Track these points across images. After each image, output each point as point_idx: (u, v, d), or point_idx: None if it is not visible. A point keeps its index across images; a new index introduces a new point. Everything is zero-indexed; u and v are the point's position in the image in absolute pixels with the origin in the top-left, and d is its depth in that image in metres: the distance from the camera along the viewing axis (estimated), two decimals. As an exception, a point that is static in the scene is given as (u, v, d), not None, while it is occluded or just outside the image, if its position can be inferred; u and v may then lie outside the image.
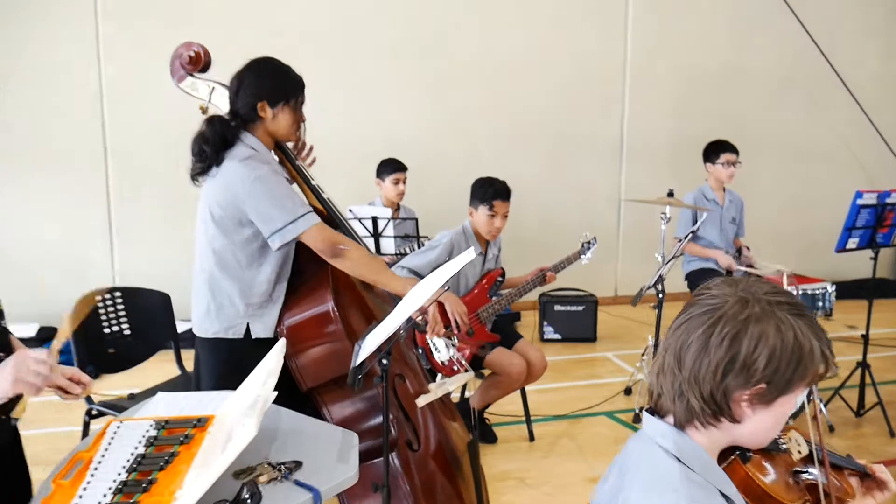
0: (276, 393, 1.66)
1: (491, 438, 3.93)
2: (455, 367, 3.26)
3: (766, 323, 1.21)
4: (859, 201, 4.01)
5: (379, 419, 2.35)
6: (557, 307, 5.74)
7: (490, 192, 3.68)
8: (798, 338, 1.21)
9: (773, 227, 6.86)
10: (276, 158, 2.58)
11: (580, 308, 5.75)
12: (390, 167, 4.84)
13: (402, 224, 4.51)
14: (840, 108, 7.08)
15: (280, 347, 1.85)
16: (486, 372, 3.75)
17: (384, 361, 1.90)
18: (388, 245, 4.18)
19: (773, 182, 6.98)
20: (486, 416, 4.00)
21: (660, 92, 6.67)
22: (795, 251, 6.90)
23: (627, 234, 6.75)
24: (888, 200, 4.11)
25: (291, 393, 2.29)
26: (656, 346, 4.45)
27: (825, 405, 4.23)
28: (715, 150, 4.81)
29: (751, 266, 4.73)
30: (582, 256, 4.03)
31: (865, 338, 4.35)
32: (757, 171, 6.66)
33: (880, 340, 5.63)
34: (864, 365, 4.31)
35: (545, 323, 5.75)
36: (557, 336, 5.72)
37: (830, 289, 4.35)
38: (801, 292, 4.22)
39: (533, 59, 6.33)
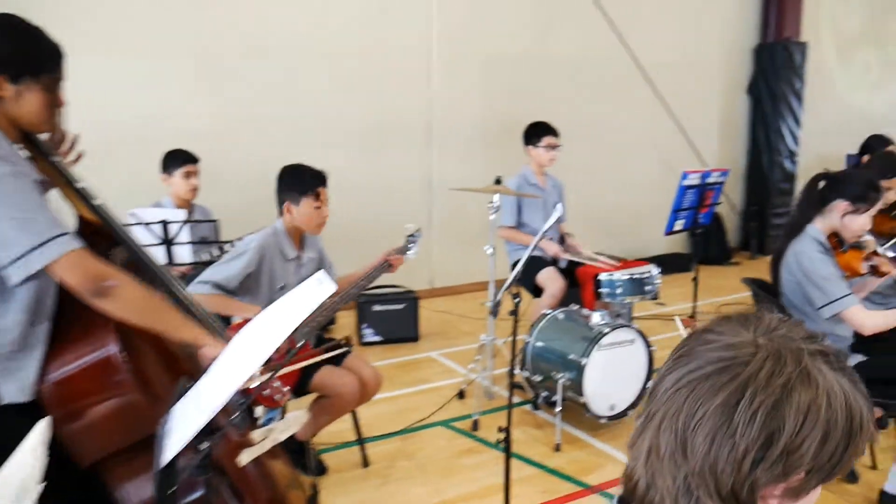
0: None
1: (320, 470, 3.42)
2: (276, 397, 2.72)
3: (811, 387, 0.83)
4: (685, 182, 3.95)
5: (194, 496, 1.77)
6: (376, 307, 5.30)
7: (309, 179, 3.15)
8: (850, 404, 0.85)
9: (579, 210, 6.87)
10: (24, 155, 1.89)
11: (400, 306, 5.35)
12: (179, 159, 4.13)
13: (198, 227, 3.84)
14: (640, 95, 7.25)
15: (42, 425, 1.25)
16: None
17: (204, 447, 1.34)
18: (184, 253, 3.50)
19: (579, 166, 6.99)
20: (311, 444, 3.48)
21: (468, 77, 6.42)
22: (599, 233, 6.97)
23: (441, 223, 6.45)
24: (709, 180, 4.08)
25: (64, 475, 1.65)
26: (518, 346, 4.15)
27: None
28: (536, 133, 4.59)
29: (577, 253, 4.59)
30: (408, 251, 3.60)
31: (693, 318, 4.33)
32: (562, 156, 6.62)
33: (683, 314, 5.76)
34: (691, 346, 4.28)
35: (364, 325, 5.30)
36: (378, 338, 5.29)
37: (655, 272, 4.27)
38: (628, 277, 4.10)
39: (336, 43, 5.81)
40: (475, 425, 3.92)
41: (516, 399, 4.27)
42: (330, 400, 3.16)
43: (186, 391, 1.48)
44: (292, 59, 5.67)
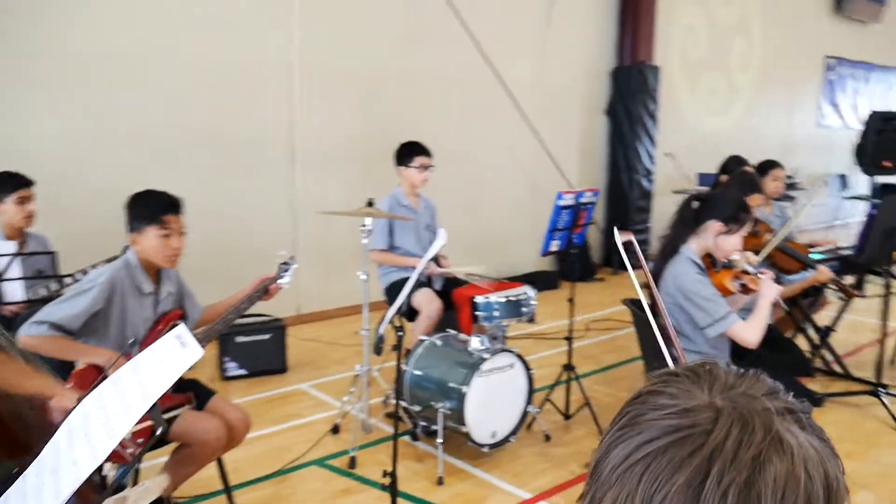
0: None
1: (183, 526, 3.08)
2: (128, 451, 2.40)
3: (786, 456, 0.69)
4: (560, 202, 3.92)
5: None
6: (239, 338, 4.95)
7: (154, 206, 2.81)
8: (826, 469, 0.72)
9: (449, 231, 6.79)
10: None
11: (266, 336, 5.03)
12: (10, 183, 3.67)
13: (33, 260, 3.40)
14: (505, 115, 7.29)
15: None
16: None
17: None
18: (15, 290, 3.07)
19: (447, 186, 6.92)
20: (171, 499, 3.13)
21: (331, 94, 6.20)
22: (469, 253, 6.92)
23: (307, 247, 6.16)
24: (582, 200, 4.08)
25: None
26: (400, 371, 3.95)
27: (538, 412, 4.08)
28: (408, 153, 4.45)
29: (452, 273, 4.47)
30: (280, 279, 3.33)
31: (569, 339, 4.31)
32: (431, 176, 6.53)
33: (556, 333, 5.78)
34: (569, 367, 4.26)
35: (226, 358, 4.93)
36: (242, 371, 4.94)
37: (531, 293, 4.21)
38: (504, 299, 4.01)
39: (188, 56, 5.43)
40: (352, 462, 3.69)
41: (392, 431, 4.09)
42: (192, 449, 2.84)
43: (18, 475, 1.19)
44: (143, 74, 5.25)
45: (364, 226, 3.91)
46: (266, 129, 5.87)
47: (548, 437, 4.02)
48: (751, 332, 3.05)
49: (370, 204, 3.92)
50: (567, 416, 4.27)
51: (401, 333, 2.85)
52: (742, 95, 10.14)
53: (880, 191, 9.23)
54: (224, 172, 5.68)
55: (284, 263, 3.32)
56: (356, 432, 3.94)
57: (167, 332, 2.84)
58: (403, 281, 4.39)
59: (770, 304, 3.13)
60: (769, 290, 3.13)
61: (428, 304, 4.26)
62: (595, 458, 0.78)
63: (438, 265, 4.57)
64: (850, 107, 12.20)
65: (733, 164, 4.99)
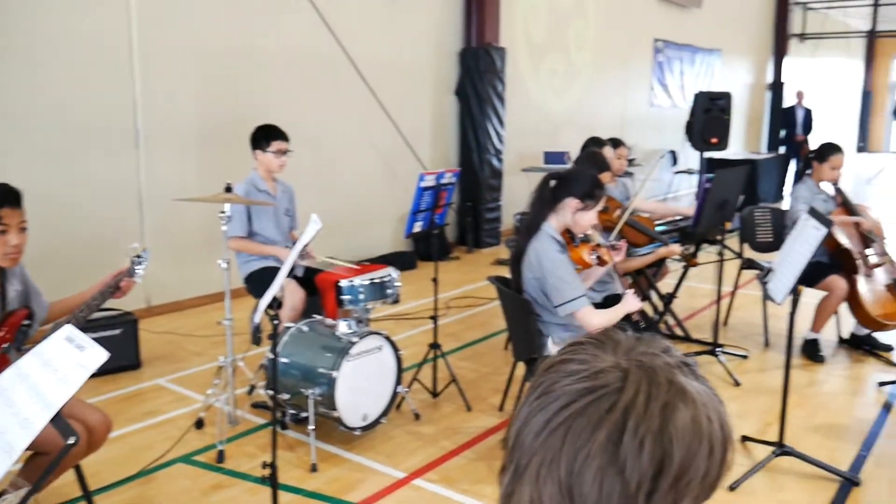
0: None
1: (39, 539, 2.88)
2: None
3: (689, 403, 0.78)
4: (422, 184, 3.95)
5: None
6: (87, 335, 4.63)
7: None
8: (719, 411, 0.81)
9: (306, 214, 6.68)
10: None
11: (116, 331, 4.75)
12: None
13: None
14: (357, 95, 7.22)
15: None
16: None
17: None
18: None
19: (301, 168, 6.79)
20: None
21: (177, 72, 5.89)
22: (327, 237, 6.83)
23: (156, 235, 5.85)
24: (443, 181, 4.14)
25: None
26: (271, 364, 3.84)
27: (407, 392, 4.13)
28: (265, 137, 4.32)
29: (313, 260, 4.40)
30: (134, 273, 3.15)
31: (435, 318, 4.38)
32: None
33: (418, 313, 5.86)
34: (435, 345, 4.33)
35: (73, 357, 4.62)
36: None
37: (395, 274, 4.23)
38: (369, 282, 4.01)
39: (22, 33, 4.98)
40: (220, 456, 3.58)
41: (262, 420, 4.01)
42: (50, 458, 2.65)
43: None
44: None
45: (223, 212, 3.77)
46: (104, 111, 5.50)
47: (417, 416, 4.08)
48: (597, 319, 3.24)
49: (228, 189, 3.79)
50: (435, 394, 4.35)
51: (276, 321, 2.79)
52: (581, 76, 10.60)
53: (707, 165, 9.98)
54: (60, 158, 5.28)
55: (138, 256, 3.15)
56: (222, 425, 3.83)
57: (10, 337, 2.64)
58: (264, 269, 4.31)
59: (625, 312, 3.34)
60: (630, 304, 3.33)
61: (291, 293, 4.18)
62: (515, 430, 0.82)
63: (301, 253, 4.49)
64: (677, 87, 13.06)
65: (593, 145, 5.22)
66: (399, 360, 3.93)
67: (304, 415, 3.69)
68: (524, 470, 0.79)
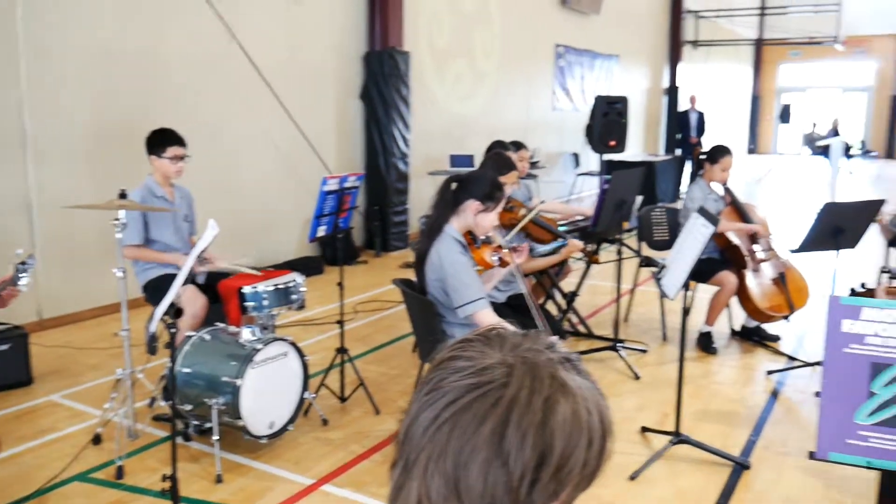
0: None
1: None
2: None
3: (570, 397, 0.82)
4: (325, 188, 3.93)
5: None
6: (-28, 351, 4.40)
7: None
8: (599, 405, 0.86)
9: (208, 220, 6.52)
10: None
11: (5, 346, 4.52)
12: None
13: None
14: (260, 98, 7.10)
15: None
16: None
17: None
18: None
19: (202, 173, 6.63)
20: None
21: (67, 76, 5.64)
22: (230, 242, 6.70)
23: (46, 245, 5.59)
24: (346, 185, 4.13)
25: None
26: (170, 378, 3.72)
27: (315, 397, 4.09)
28: (160, 142, 4.20)
29: (215, 266, 4.31)
30: (19, 281, 3.01)
31: (341, 323, 4.36)
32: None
33: (325, 318, 5.81)
34: (342, 350, 4.31)
35: (-43, 375, 4.37)
36: (-22, 388, 4.41)
37: (300, 279, 4.19)
38: (273, 287, 3.96)
39: None
40: (119, 472, 3.45)
41: (163, 433, 3.89)
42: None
43: None
44: None
45: (117, 219, 3.64)
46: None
47: (325, 422, 4.04)
48: (494, 321, 3.30)
49: (123, 195, 3.66)
50: (343, 399, 4.32)
51: (173, 330, 2.72)
52: (485, 81, 10.75)
53: (607, 167, 10.29)
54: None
55: (22, 263, 3.01)
56: (121, 440, 3.70)
57: None
58: (163, 277, 4.18)
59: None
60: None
61: (191, 302, 4.07)
62: (405, 426, 0.84)
63: (202, 259, 4.39)
64: (578, 91, 13.42)
65: (496, 147, 5.29)
66: (305, 365, 3.89)
67: (207, 425, 3.61)
68: (413, 465, 0.82)
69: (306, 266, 7.15)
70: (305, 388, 3.90)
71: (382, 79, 8.28)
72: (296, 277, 4.09)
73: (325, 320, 5.74)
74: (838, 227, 4.51)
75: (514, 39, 11.23)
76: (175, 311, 4.09)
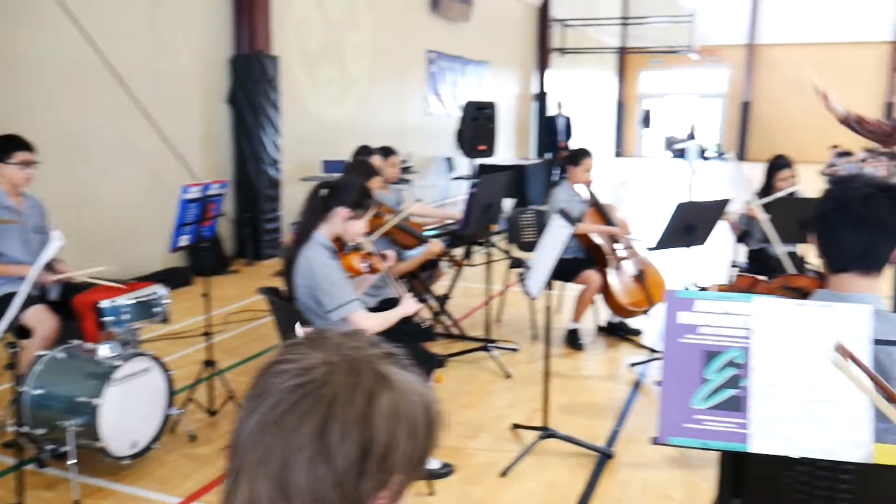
0: None
1: None
2: None
3: (391, 390, 0.85)
4: (186, 196, 3.81)
5: None
6: None
7: None
8: (424, 397, 0.89)
9: (64, 231, 6.16)
10: None
11: None
12: None
13: None
14: (119, 104, 6.79)
15: None
16: None
17: None
18: None
19: (57, 182, 6.27)
20: None
21: None
22: (90, 254, 6.37)
23: None
24: (209, 192, 4.01)
25: None
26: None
27: (181, 413, 3.95)
28: (5, 149, 3.93)
29: (70, 279, 4.08)
30: None
31: (208, 335, 4.23)
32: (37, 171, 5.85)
33: (193, 330, 5.62)
34: (210, 363, 4.19)
35: None
36: None
37: (162, 291, 4.03)
38: (134, 301, 3.80)
39: None
40: (-38, 505, 3.22)
41: (14, 461, 3.64)
42: None
43: None
44: None
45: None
46: None
47: (193, 438, 3.91)
48: (371, 322, 3.31)
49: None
50: (212, 413, 4.20)
51: (15, 349, 2.56)
52: (357, 86, 10.73)
53: (479, 171, 10.49)
54: None
55: None
56: (-35, 470, 3.44)
57: None
58: (13, 294, 3.91)
59: (402, 315, 3.44)
60: (409, 307, 3.44)
61: (41, 323, 3.84)
62: (233, 434, 0.85)
63: (53, 271, 4.15)
64: (450, 96, 13.61)
65: (364, 153, 5.28)
66: (170, 380, 3.75)
67: (64, 449, 3.41)
68: (242, 471, 0.82)
69: (174, 277, 6.89)
70: (170, 403, 3.76)
71: (251, 83, 8.11)
72: (158, 289, 3.94)
73: (193, 333, 5.55)
74: (690, 225, 4.80)
75: (385, 44, 11.27)
76: (18, 331, 3.86)
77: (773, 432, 1.63)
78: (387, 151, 5.31)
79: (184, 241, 3.92)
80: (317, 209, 3.45)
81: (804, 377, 1.63)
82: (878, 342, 1.64)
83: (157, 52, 7.30)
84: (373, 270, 3.60)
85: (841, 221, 1.96)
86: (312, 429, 0.79)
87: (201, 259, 7.37)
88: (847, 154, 18.23)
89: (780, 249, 4.23)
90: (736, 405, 1.66)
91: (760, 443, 1.63)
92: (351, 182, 3.61)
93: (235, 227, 8.33)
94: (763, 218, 5.47)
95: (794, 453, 1.61)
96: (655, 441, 1.69)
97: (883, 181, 2.02)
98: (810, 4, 24.32)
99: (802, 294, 2.15)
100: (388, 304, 4.22)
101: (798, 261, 4.84)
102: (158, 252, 7.37)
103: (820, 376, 1.62)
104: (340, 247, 3.48)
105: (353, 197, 3.43)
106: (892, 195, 1.94)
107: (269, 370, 0.86)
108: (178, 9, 7.48)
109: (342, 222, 3.42)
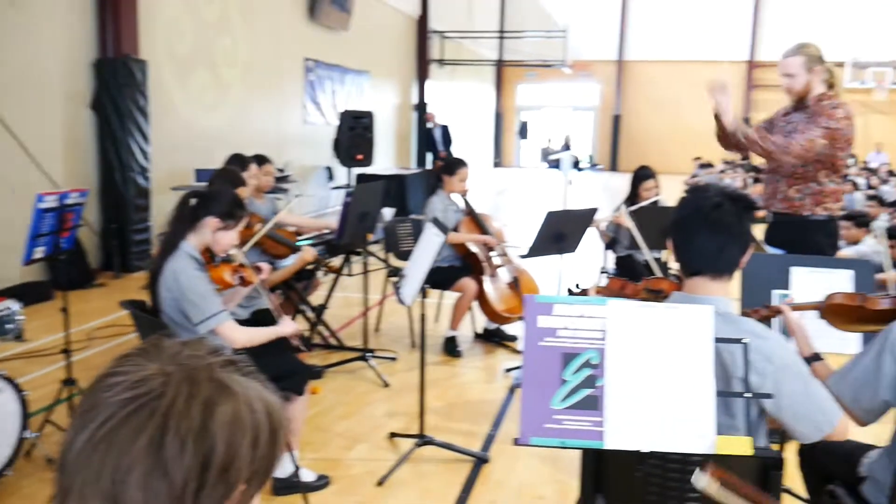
0: None
1: None
2: None
3: (231, 398, 0.83)
4: (41, 205, 3.59)
5: None
6: None
7: None
8: (267, 403, 0.87)
9: None
10: None
11: None
12: None
13: None
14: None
15: None
16: None
17: None
18: None
19: None
20: None
21: None
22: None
23: None
24: (67, 202, 3.81)
25: None
26: None
27: (38, 437, 3.72)
28: None
29: None
30: None
31: (67, 353, 4.00)
32: None
33: (52, 348, 5.31)
34: (70, 382, 3.97)
35: None
36: None
37: (15, 307, 3.79)
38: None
39: None
40: None
41: None
42: None
43: None
44: None
45: None
46: None
47: (51, 461, 3.69)
48: (240, 335, 3.23)
49: None
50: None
51: None
52: (232, 92, 10.47)
53: (358, 181, 10.46)
54: None
55: None
56: None
57: None
58: None
59: (277, 335, 3.37)
60: (285, 328, 3.38)
61: None
62: (62, 453, 0.80)
63: None
64: (330, 105, 13.51)
65: (235, 162, 5.13)
66: (24, 402, 3.52)
67: None
68: (70, 492, 0.78)
69: (31, 292, 6.50)
70: (25, 427, 3.53)
71: (116, 88, 7.75)
72: (10, 305, 3.71)
73: (51, 351, 5.24)
74: (560, 233, 4.96)
75: (261, 51, 11.06)
76: None
77: (625, 429, 1.70)
78: (261, 160, 5.20)
79: (39, 253, 3.70)
80: (185, 219, 3.33)
81: (653, 375, 1.72)
82: (718, 340, 1.75)
83: (15, 55, 6.86)
84: (245, 283, 3.51)
85: (694, 228, 2.09)
86: (147, 443, 0.76)
87: (62, 272, 6.97)
88: (709, 165, 19.39)
89: (647, 255, 4.44)
90: (592, 404, 1.73)
91: (614, 439, 1.70)
92: (224, 192, 3.52)
93: (101, 239, 7.94)
94: (630, 225, 5.73)
95: (645, 448, 1.69)
96: (516, 442, 1.73)
97: (733, 190, 2.17)
98: (674, 24, 25.73)
99: (663, 296, 2.27)
100: (260, 314, 4.13)
101: (663, 266, 5.09)
102: (13, 266, 6.92)
103: (667, 374, 1.71)
104: (210, 258, 3.38)
105: (224, 207, 3.34)
106: (740, 203, 2.09)
107: (100, 384, 0.82)
108: (34, 9, 7.07)
109: (212, 233, 3.32)
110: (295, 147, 12.14)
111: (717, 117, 3.91)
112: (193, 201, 3.38)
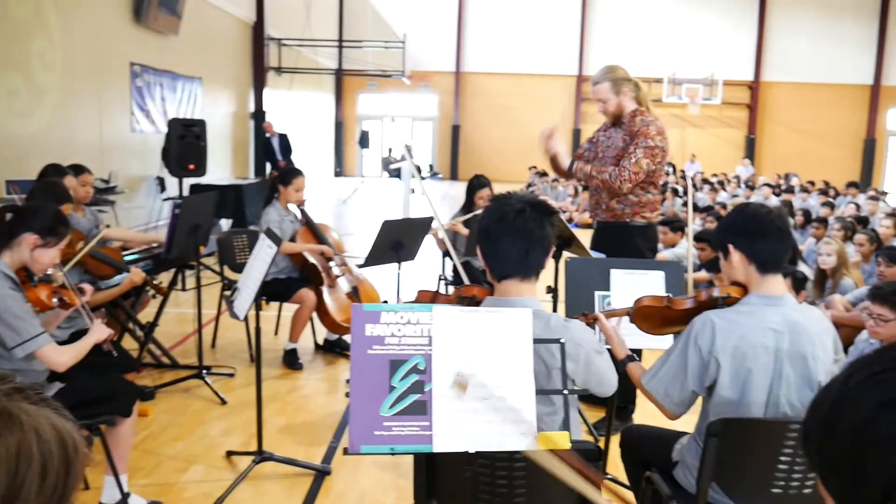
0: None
1: None
2: None
3: (16, 427, 0.79)
4: None
5: None
6: None
7: None
8: (60, 432, 0.84)
9: None
10: None
11: None
12: None
13: None
14: None
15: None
16: None
17: None
18: None
19: None
20: None
21: None
22: None
23: None
24: None
25: None
26: None
27: None
28: None
29: None
30: None
31: None
32: None
33: None
34: None
35: None
36: None
37: None
38: None
39: None
40: None
41: None
42: None
43: None
44: None
45: None
46: None
47: None
48: (63, 357, 3.04)
49: None
50: None
51: None
52: (49, 98, 9.77)
53: (192, 192, 10.06)
54: None
55: None
56: None
57: None
58: None
59: (93, 343, 3.18)
60: (98, 333, 3.19)
61: None
62: None
63: None
64: (160, 113, 12.89)
65: (52, 173, 4.78)
66: None
67: None
68: None
69: None
70: None
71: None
72: None
73: None
74: (398, 241, 5.01)
75: (81, 54, 10.39)
76: None
77: (453, 431, 1.75)
78: (78, 169, 4.88)
79: None
80: (1, 234, 3.09)
81: (478, 377, 1.78)
82: (537, 341, 1.85)
83: None
84: (65, 305, 3.29)
85: (499, 234, 2.20)
86: None
87: None
88: (544, 174, 20.26)
89: (455, 261, 4.56)
90: (421, 409, 1.76)
91: (442, 442, 1.75)
92: (42, 206, 3.28)
93: None
94: (465, 232, 5.88)
95: (472, 448, 1.75)
96: (346, 451, 1.74)
97: (533, 197, 2.29)
98: (509, 38, 26.71)
99: (475, 302, 2.36)
100: (79, 336, 3.88)
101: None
102: None
103: (491, 375, 1.78)
104: (27, 278, 3.14)
105: (44, 223, 3.12)
106: (540, 210, 2.22)
107: None
108: None
109: (30, 251, 3.09)
110: (122, 156, 11.50)
111: (553, 160, 4.25)
112: (10, 216, 3.14)
